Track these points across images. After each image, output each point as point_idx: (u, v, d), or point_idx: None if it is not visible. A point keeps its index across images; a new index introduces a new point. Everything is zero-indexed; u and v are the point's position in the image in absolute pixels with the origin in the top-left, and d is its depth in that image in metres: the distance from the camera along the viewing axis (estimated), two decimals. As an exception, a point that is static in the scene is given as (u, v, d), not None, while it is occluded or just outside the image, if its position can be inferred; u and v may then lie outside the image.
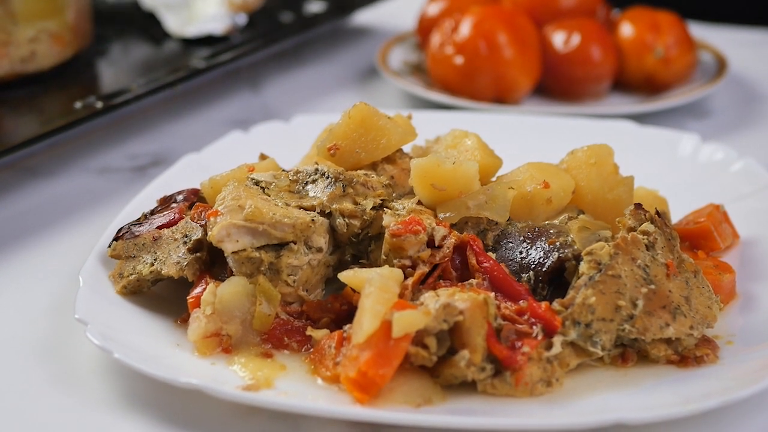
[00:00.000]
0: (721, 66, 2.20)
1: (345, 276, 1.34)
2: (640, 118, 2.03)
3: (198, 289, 1.37)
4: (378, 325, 1.24)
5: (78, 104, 1.90)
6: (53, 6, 2.06)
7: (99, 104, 1.89)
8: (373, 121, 1.48)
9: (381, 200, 1.42)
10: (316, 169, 1.43)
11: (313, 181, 1.41)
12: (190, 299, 1.37)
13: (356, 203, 1.40)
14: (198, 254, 1.41)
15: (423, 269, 1.35)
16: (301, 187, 1.41)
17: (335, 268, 1.42)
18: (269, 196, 1.40)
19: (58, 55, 2.08)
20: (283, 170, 1.50)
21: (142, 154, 1.99)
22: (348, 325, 1.31)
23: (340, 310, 1.36)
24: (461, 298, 1.26)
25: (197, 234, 1.42)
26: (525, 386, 1.25)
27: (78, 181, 1.89)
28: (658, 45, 2.11)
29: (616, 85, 2.17)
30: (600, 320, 1.29)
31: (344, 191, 1.40)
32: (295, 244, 1.34)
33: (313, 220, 1.36)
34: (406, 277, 1.34)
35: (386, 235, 1.36)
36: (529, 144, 1.85)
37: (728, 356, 1.33)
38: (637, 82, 2.15)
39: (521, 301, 1.31)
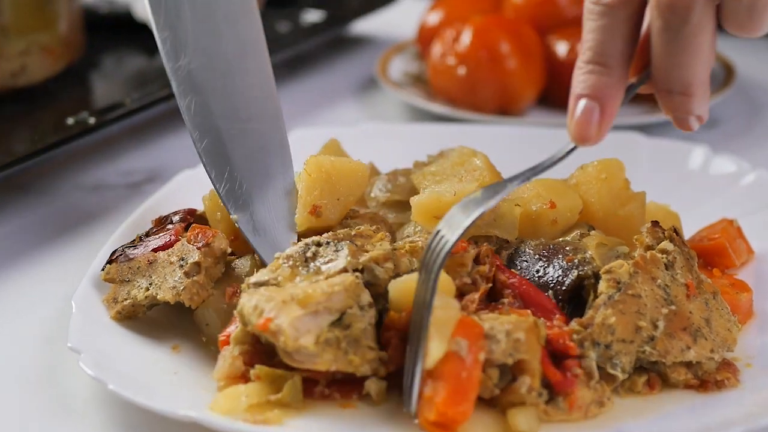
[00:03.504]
0: (728, 74, 2.16)
1: (396, 286, 1.25)
2: (646, 129, 1.99)
3: (232, 327, 1.30)
4: (446, 347, 1.18)
5: (70, 120, 1.85)
6: (44, 18, 2.01)
7: (92, 120, 1.84)
8: (334, 166, 1.43)
9: (391, 240, 1.37)
10: (306, 244, 1.33)
11: (314, 255, 1.32)
12: (222, 337, 1.30)
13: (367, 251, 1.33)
14: (195, 278, 1.35)
15: (485, 285, 1.30)
16: (305, 269, 1.31)
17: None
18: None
19: (50, 68, 2.03)
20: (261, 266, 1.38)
21: (137, 170, 1.94)
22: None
23: (396, 348, 1.25)
24: (509, 321, 1.22)
25: (194, 257, 1.36)
26: (579, 409, 1.21)
27: (71, 198, 1.84)
28: (665, 53, 2.06)
29: (622, 95, 2.12)
30: (620, 341, 1.24)
31: (356, 246, 1.33)
32: (351, 308, 1.25)
33: (356, 276, 1.27)
34: (461, 296, 1.29)
35: None
36: (534, 156, 1.76)
37: (748, 380, 1.28)
38: (644, 93, 2.09)
39: (555, 319, 1.27)
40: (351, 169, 1.44)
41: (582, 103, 1.20)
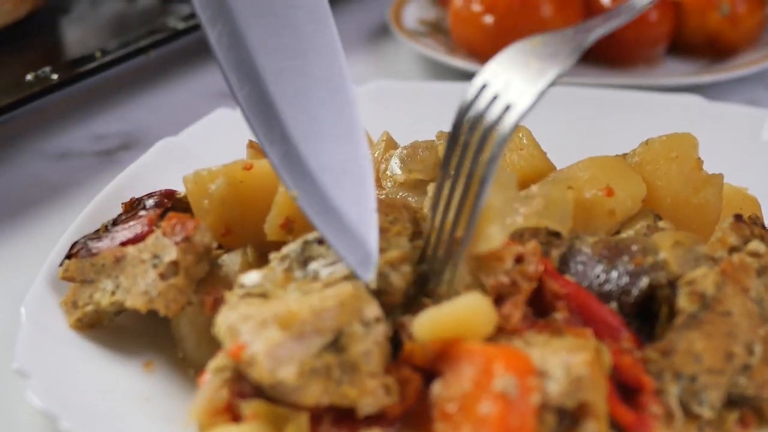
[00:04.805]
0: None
1: (423, 321, 1.00)
2: (704, 90, 1.74)
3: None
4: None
5: (29, 76, 1.62)
6: (4, -46, 1.82)
7: (54, 76, 1.62)
8: None
9: (413, 231, 1.11)
10: (305, 242, 1.09)
11: (314, 255, 1.07)
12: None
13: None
14: (172, 281, 1.10)
15: (528, 286, 1.06)
16: (301, 272, 1.06)
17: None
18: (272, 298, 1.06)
19: (11, 12, 1.85)
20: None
21: (110, 134, 1.75)
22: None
23: (412, 388, 1.01)
24: (565, 348, 0.98)
25: (170, 254, 1.11)
26: None
27: (31, 169, 1.64)
28: (724, 1, 1.86)
29: (672, 48, 1.90)
30: (707, 372, 1.01)
31: None
32: (350, 326, 1.00)
33: (356, 286, 1.03)
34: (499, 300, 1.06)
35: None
36: (572, 123, 1.59)
37: None
38: (698, 45, 1.90)
39: (623, 340, 1.03)
40: None
41: None
